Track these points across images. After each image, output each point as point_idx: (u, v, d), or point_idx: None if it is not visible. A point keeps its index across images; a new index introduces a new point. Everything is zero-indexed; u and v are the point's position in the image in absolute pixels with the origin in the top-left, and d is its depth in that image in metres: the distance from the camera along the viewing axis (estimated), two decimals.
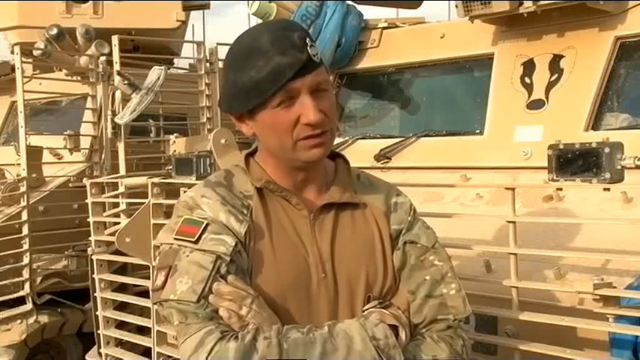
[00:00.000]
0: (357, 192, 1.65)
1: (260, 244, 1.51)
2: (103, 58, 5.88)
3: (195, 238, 1.47)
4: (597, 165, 2.04)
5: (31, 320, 5.49)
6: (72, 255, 5.60)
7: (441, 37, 3.66)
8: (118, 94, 5.10)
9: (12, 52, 6.64)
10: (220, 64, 5.96)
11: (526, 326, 2.18)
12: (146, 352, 3.49)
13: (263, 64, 1.45)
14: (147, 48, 6.77)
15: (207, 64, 6.01)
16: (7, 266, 5.31)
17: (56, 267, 5.70)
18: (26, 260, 5.37)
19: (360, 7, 4.07)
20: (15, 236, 5.33)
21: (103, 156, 6.01)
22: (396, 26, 4.04)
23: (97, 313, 3.71)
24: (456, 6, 3.28)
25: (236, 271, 1.46)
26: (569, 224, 2.49)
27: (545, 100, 3.10)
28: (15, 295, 5.40)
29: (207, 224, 1.48)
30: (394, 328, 1.49)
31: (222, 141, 3.53)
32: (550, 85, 3.10)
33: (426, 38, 3.75)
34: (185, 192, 1.75)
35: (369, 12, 4.12)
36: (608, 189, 2.16)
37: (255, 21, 4.27)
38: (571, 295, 2.16)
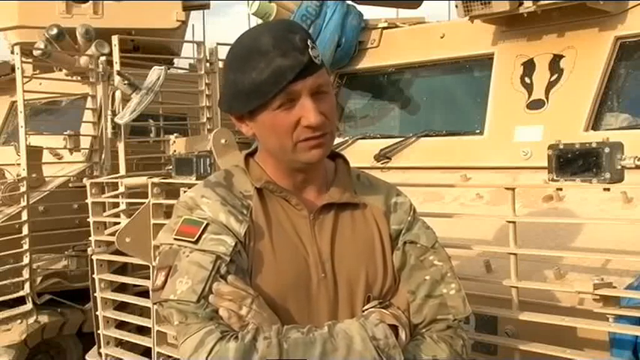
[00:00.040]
0: (357, 192, 1.65)
1: (260, 244, 1.51)
2: (103, 58, 5.88)
3: (195, 238, 1.47)
4: (597, 165, 2.04)
5: (31, 320, 5.49)
6: (72, 255, 5.60)
7: (441, 37, 3.66)
8: (118, 94, 5.10)
9: (12, 52, 6.64)
10: (220, 64, 5.96)
11: (526, 326, 2.18)
12: (146, 352, 3.49)
13: (264, 65, 1.45)
14: (147, 48, 6.77)
15: (207, 64, 6.01)
16: (7, 266, 5.30)
17: (56, 267, 5.70)
18: (26, 260, 5.37)
19: (360, 7, 4.07)
20: (15, 236, 5.33)
21: (103, 156, 6.01)
22: (396, 26, 4.04)
23: (97, 313, 3.71)
24: (456, 6, 3.28)
25: (236, 271, 1.46)
26: (569, 224, 2.49)
27: (545, 100, 3.10)
28: (15, 295, 5.40)
29: (207, 224, 1.48)
30: (394, 328, 1.49)
31: (222, 141, 3.54)
32: (550, 85, 3.10)
33: (426, 38, 3.75)
34: (185, 192, 1.75)
35: (369, 12, 4.13)
36: (608, 189, 2.16)
37: (255, 21, 4.27)
38: (571, 295, 2.16)
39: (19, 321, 5.46)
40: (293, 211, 1.56)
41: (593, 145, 2.06)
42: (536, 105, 3.12)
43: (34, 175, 5.61)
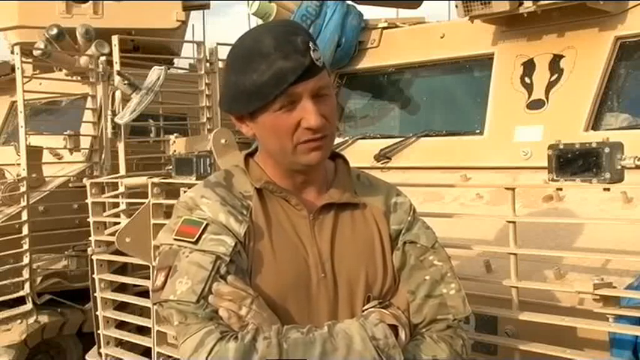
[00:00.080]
0: (357, 192, 1.65)
1: (260, 244, 1.51)
2: (103, 58, 5.88)
3: (195, 238, 1.47)
4: (597, 165, 2.04)
5: (31, 320, 5.49)
6: (72, 255, 5.60)
7: (441, 37, 3.66)
8: (118, 94, 5.10)
9: (12, 52, 6.64)
10: (220, 64, 5.96)
11: (526, 326, 2.18)
12: (146, 352, 3.49)
13: (265, 67, 1.45)
14: (147, 48, 6.77)
15: (207, 64, 6.01)
16: (7, 266, 5.31)
17: (56, 267, 5.70)
18: (26, 260, 5.37)
19: (360, 7, 4.07)
20: (15, 236, 5.33)
21: (103, 156, 6.01)
22: (396, 26, 4.04)
23: (97, 313, 3.71)
24: (456, 6, 3.28)
25: (236, 271, 1.46)
26: (569, 224, 2.49)
27: (545, 100, 3.10)
28: (15, 295, 5.40)
29: (206, 225, 1.48)
30: (394, 328, 1.49)
31: (222, 141, 3.54)
32: (550, 85, 3.10)
33: (426, 38, 3.75)
34: (185, 192, 1.75)
35: (369, 12, 4.13)
36: (608, 189, 2.16)
37: (255, 21, 4.27)
38: (571, 295, 2.16)
39: (19, 321, 5.46)
40: (293, 212, 1.56)
41: (593, 145, 2.06)
42: (536, 105, 3.12)
43: (34, 175, 5.61)
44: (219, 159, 3.44)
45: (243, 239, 1.50)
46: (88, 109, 6.09)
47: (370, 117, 4.09)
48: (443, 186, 2.96)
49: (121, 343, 3.71)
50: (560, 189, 2.59)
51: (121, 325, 3.71)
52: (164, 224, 1.65)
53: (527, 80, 3.19)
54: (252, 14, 3.99)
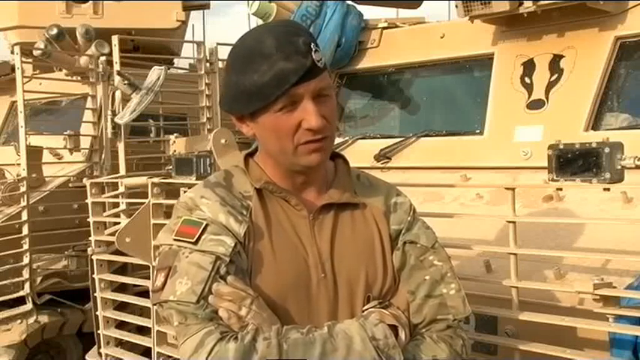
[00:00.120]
0: (357, 192, 1.65)
1: (259, 244, 1.51)
2: (103, 58, 5.88)
3: (195, 239, 1.47)
4: (597, 165, 2.04)
5: (31, 320, 5.49)
6: (72, 255, 5.60)
7: (441, 37, 3.66)
8: (118, 94, 5.10)
9: (12, 52, 6.64)
10: (220, 64, 5.96)
11: (526, 326, 2.18)
12: (146, 352, 3.49)
13: (267, 68, 1.45)
14: (147, 48, 6.77)
15: (207, 64, 6.01)
16: (7, 266, 5.30)
17: (56, 267, 5.69)
18: (26, 260, 5.37)
19: (360, 7, 4.07)
20: (15, 236, 5.33)
21: (103, 156, 6.01)
22: (396, 26, 4.04)
23: (97, 313, 3.71)
24: (456, 6, 3.28)
25: (235, 271, 1.46)
26: (569, 224, 2.49)
27: (545, 100, 3.10)
28: (15, 295, 5.40)
29: (206, 225, 1.48)
30: (394, 328, 1.49)
31: (222, 141, 3.54)
32: (550, 85, 3.10)
33: (426, 38, 3.75)
34: (185, 192, 1.75)
35: (369, 12, 4.13)
36: (608, 189, 2.16)
37: (256, 21, 4.27)
38: (571, 295, 2.16)
39: (19, 321, 5.46)
40: (293, 212, 1.56)
41: (593, 145, 2.06)
42: (536, 105, 3.12)
43: (34, 175, 5.60)
44: (219, 159, 3.44)
45: (242, 239, 1.50)
46: (88, 109, 6.09)
47: (370, 117, 4.09)
48: (443, 186, 2.96)
49: (121, 343, 3.71)
50: (560, 189, 2.59)
51: (121, 325, 3.71)
52: (164, 224, 1.65)
53: (527, 80, 3.19)
54: (252, 14, 3.99)
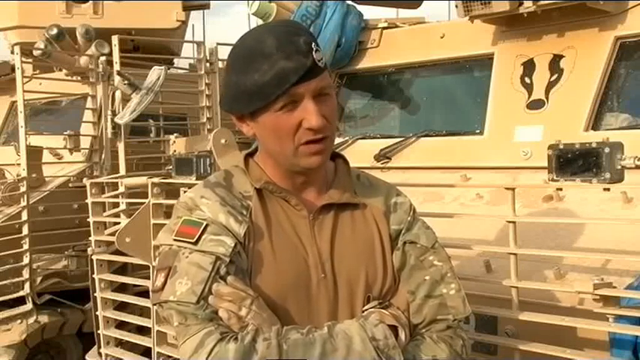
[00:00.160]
0: (357, 192, 1.64)
1: (259, 244, 1.51)
2: (103, 58, 5.88)
3: (195, 239, 1.47)
4: (597, 165, 2.04)
5: (31, 320, 5.49)
6: (72, 255, 5.60)
7: (441, 37, 3.66)
8: (118, 94, 5.10)
9: (12, 52, 6.64)
10: (220, 64, 5.96)
11: (526, 326, 2.18)
12: (146, 352, 3.49)
13: (267, 68, 1.45)
14: (147, 48, 6.77)
15: (207, 64, 6.01)
16: (7, 266, 5.31)
17: (56, 267, 5.70)
18: (26, 260, 5.37)
19: (360, 7, 4.07)
20: (15, 236, 5.33)
21: (103, 156, 6.01)
22: (396, 26, 4.04)
23: (97, 313, 3.71)
24: (456, 6, 3.28)
25: (235, 272, 1.46)
26: (569, 224, 2.49)
27: (545, 100, 3.10)
28: (15, 295, 5.40)
29: (206, 225, 1.48)
30: (394, 329, 1.49)
31: (222, 141, 3.53)
32: (550, 85, 3.10)
33: (426, 38, 3.75)
34: (185, 192, 1.75)
35: (369, 12, 4.13)
36: (608, 189, 2.16)
37: (255, 21, 4.27)
38: (571, 295, 2.16)
39: (19, 321, 5.46)
40: (293, 212, 1.56)
41: (593, 145, 2.06)
42: (536, 105, 3.12)
43: (34, 175, 5.61)
44: (219, 159, 3.44)
45: (242, 239, 1.50)
46: (88, 109, 6.09)
47: (370, 117, 4.09)
48: (443, 186, 2.96)
49: (121, 343, 3.71)
50: (560, 189, 2.59)
51: (121, 325, 3.71)
52: (164, 224, 1.65)
53: (527, 80, 3.19)
54: (252, 14, 3.99)
